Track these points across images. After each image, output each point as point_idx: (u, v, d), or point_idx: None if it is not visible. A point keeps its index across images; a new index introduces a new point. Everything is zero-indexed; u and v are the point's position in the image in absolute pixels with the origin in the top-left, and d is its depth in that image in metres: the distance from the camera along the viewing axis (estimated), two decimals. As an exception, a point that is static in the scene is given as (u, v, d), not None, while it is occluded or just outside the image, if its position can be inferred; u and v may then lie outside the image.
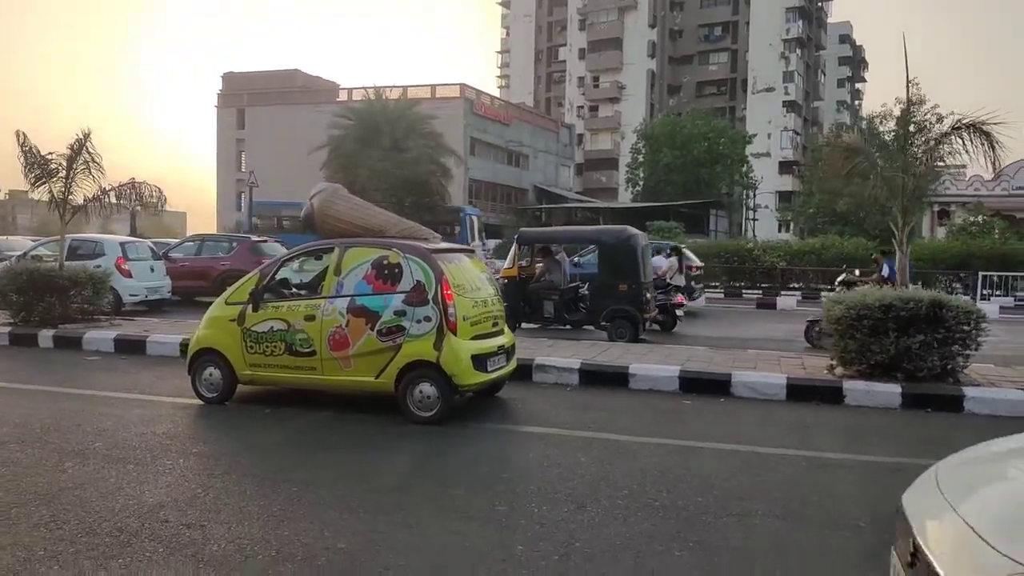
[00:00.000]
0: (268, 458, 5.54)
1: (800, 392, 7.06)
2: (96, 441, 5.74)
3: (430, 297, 6.43)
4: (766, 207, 60.75)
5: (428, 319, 6.39)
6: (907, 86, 8.13)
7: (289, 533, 4.00)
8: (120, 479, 4.86)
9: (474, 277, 7.04)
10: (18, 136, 11.23)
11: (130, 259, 14.39)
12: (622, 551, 3.81)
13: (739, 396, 7.20)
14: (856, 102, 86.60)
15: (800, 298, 20.09)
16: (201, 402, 7.09)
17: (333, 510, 4.37)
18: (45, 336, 10.47)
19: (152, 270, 14.89)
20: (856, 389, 6.96)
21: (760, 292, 20.56)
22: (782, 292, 20.61)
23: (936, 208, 31.50)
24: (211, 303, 7.59)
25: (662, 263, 13.79)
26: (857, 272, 13.15)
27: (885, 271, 11.68)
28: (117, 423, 6.29)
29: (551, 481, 4.87)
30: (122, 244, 14.85)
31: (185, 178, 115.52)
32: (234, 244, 16.48)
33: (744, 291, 21.77)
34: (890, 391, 6.83)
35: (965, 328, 6.80)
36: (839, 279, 12.38)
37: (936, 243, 23.53)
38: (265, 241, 17.24)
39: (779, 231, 57.09)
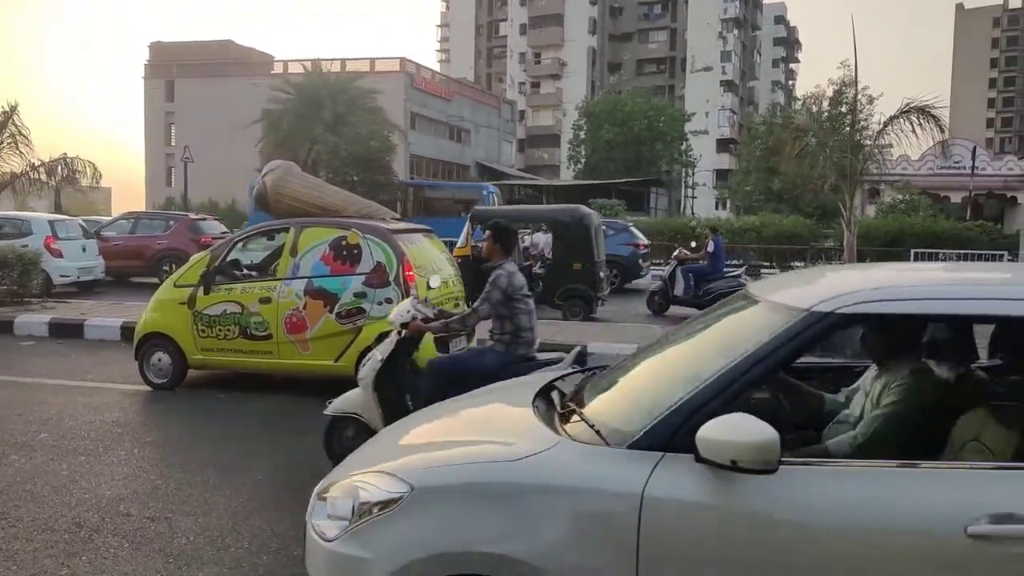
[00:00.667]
0: (229, 446, 5.38)
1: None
2: (41, 432, 5.48)
3: (391, 278, 6.34)
4: (704, 185, 61.96)
5: (389, 300, 6.29)
6: (855, 69, 8.35)
7: (260, 524, 3.92)
8: (73, 472, 4.66)
9: (434, 257, 6.97)
10: None
11: (60, 238, 13.69)
12: None
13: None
14: (790, 82, 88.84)
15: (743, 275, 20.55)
16: (150, 388, 6.84)
17: (304, 499, 4.28)
18: (-30, 321, 9.91)
19: (84, 250, 14.21)
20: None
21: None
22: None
23: (867, 187, 32.71)
24: (147, 284, 7.29)
25: (540, 239, 13.89)
26: (691, 246, 13.59)
27: (711, 247, 12.21)
28: (62, 412, 6.02)
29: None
30: (51, 222, 14.10)
31: (109, 153, 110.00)
32: (171, 222, 15.87)
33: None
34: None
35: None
36: (673, 255, 12.77)
37: (870, 221, 24.37)
38: (204, 219, 16.66)
39: (716, 209, 58.38)
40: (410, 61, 50.24)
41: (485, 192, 26.46)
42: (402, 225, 7.17)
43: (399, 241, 6.51)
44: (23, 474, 4.61)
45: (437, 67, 69.72)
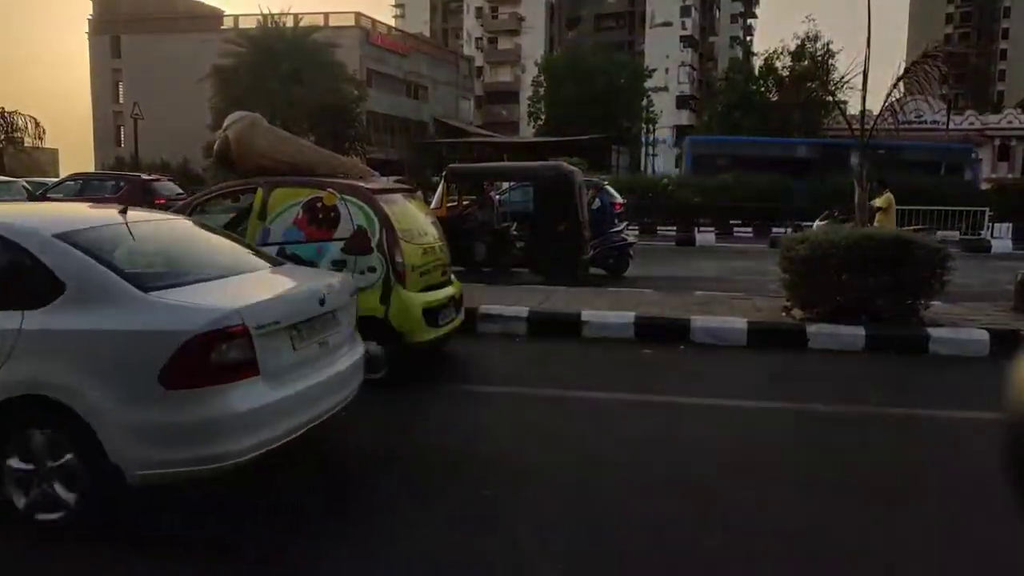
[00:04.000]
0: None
1: (761, 337, 6.86)
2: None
3: (374, 244, 5.73)
4: (664, 142, 61.65)
5: (373, 270, 5.71)
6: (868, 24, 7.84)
7: (248, 526, 3.39)
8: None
9: (420, 221, 6.36)
10: None
11: (2, 201, 12.67)
12: (648, 546, 3.30)
13: (699, 343, 6.93)
14: (748, 38, 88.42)
15: (716, 234, 20.35)
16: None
17: (285, 496, 3.77)
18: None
19: None
20: (820, 333, 6.79)
21: (674, 229, 20.66)
22: (700, 228, 20.78)
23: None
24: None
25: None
26: None
27: (596, 205, 12.08)
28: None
29: (533, 454, 4.40)
30: (-12, 185, 13.06)
31: (56, 111, 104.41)
32: (122, 184, 14.85)
33: (657, 228, 21.88)
34: (854, 334, 6.72)
35: (930, 268, 6.76)
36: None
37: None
38: (158, 180, 15.64)
39: (676, 166, 58.26)
40: (365, 16, 48.54)
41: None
42: (384, 184, 6.53)
43: (381, 202, 5.89)
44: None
45: (392, 23, 67.53)
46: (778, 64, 36.69)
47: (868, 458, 4.41)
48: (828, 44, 33.94)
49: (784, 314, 7.46)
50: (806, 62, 33.69)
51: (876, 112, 9.36)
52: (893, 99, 8.00)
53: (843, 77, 10.28)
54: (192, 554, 3.17)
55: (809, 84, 25.87)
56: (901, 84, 7.77)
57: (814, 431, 4.96)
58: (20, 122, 10.09)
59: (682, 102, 70.05)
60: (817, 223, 12.06)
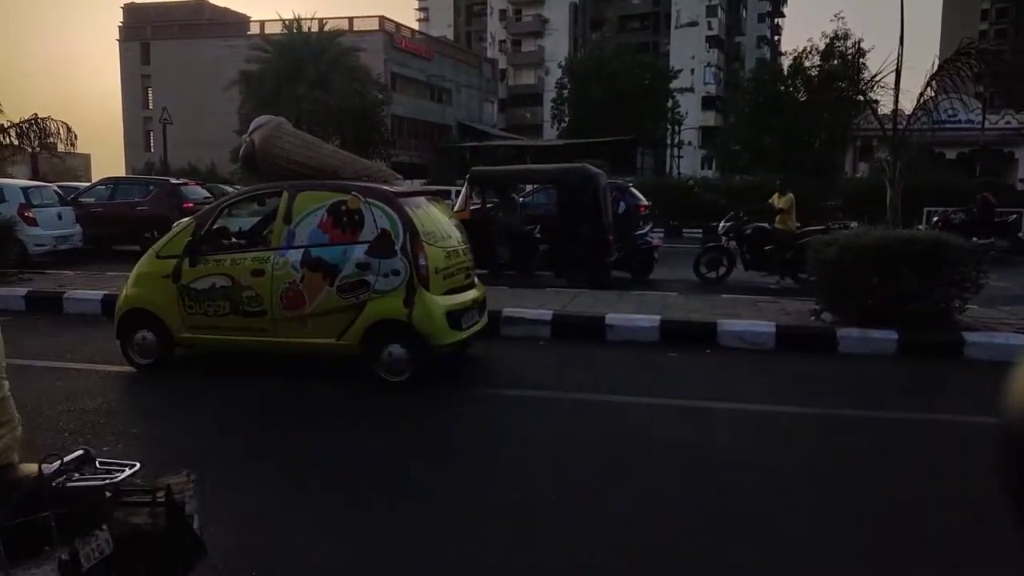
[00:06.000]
0: (226, 440, 4.84)
1: (790, 340, 6.74)
2: (14, 424, 4.88)
3: (398, 248, 5.73)
4: (689, 143, 61.20)
5: (396, 273, 5.71)
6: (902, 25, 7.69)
7: (268, 540, 3.38)
8: (49, 474, 4.08)
9: (443, 224, 6.35)
10: None
11: (34, 205, 12.93)
12: (677, 554, 3.22)
13: (726, 346, 6.83)
14: (776, 37, 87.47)
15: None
16: (133, 369, 6.25)
17: (318, 508, 3.76)
18: (-59, 295, 9.23)
19: (60, 217, 13.45)
20: (850, 336, 6.67)
21: (700, 231, 20.45)
22: (727, 231, 20.54)
23: (859, 144, 32.20)
24: (128, 252, 6.65)
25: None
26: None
27: (621, 208, 12.04)
28: (40, 398, 5.41)
29: (559, 460, 4.33)
30: (24, 189, 13.31)
31: (88, 118, 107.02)
32: (151, 187, 15.09)
33: (683, 230, 21.71)
34: (886, 338, 6.58)
35: (964, 270, 6.59)
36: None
37: (877, 179, 23.76)
38: (185, 184, 15.87)
39: (702, 168, 57.77)
40: (389, 20, 48.80)
41: None
42: (407, 188, 6.53)
43: (405, 206, 5.89)
44: (-7, 477, 4.03)
45: (416, 26, 67.89)
46: (807, 63, 36.20)
47: (897, 466, 4.30)
48: (859, 42, 33.41)
49: (813, 318, 7.33)
50: (835, 61, 33.19)
51: (907, 111, 9.18)
52: (927, 97, 7.81)
53: (875, 76, 10.11)
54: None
55: (839, 83, 25.51)
56: (934, 83, 7.58)
57: (842, 437, 4.84)
58: (53, 127, 10.31)
59: (708, 103, 69.47)
60: (723, 224, 11.92)
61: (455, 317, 5.91)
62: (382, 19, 47.65)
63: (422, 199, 6.43)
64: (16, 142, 10.49)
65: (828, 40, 33.62)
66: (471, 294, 6.35)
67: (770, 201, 11.30)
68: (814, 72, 34.53)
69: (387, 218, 5.78)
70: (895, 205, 7.69)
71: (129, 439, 4.75)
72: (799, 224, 11.24)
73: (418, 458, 4.44)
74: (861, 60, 28.26)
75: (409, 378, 5.70)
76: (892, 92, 8.82)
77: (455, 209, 11.30)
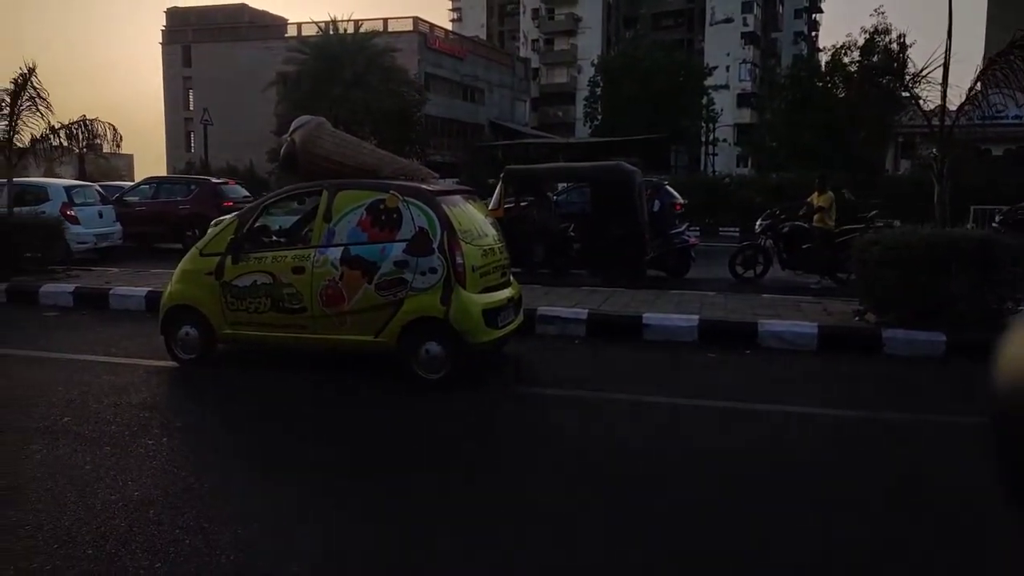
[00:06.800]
0: (266, 436, 4.90)
1: (833, 341, 6.60)
2: (64, 416, 5.02)
3: (435, 246, 5.75)
4: (724, 141, 60.43)
5: (433, 271, 5.73)
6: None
7: (310, 538, 3.41)
8: (97, 466, 4.18)
9: (479, 222, 6.35)
10: None
11: (76, 204, 13.27)
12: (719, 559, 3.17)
13: (766, 347, 6.71)
14: (813, 33, 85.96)
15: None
16: (176, 364, 6.36)
17: (356, 504, 3.78)
18: (-2, 289, 9.53)
19: (100, 216, 13.78)
20: (895, 338, 6.50)
21: (737, 230, 20.18)
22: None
23: (900, 140, 31.47)
24: (171, 250, 6.77)
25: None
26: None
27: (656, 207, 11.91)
28: (86, 392, 5.55)
29: (597, 460, 4.29)
30: (67, 189, 13.70)
31: (131, 119, 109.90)
32: (193, 187, 15.40)
33: (719, 228, 21.45)
34: (933, 339, 6.40)
35: (1016, 268, 6.38)
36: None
37: (921, 176, 23.17)
38: (226, 183, 16.15)
39: (737, 166, 57.04)
40: (423, 20, 49.07)
41: None
42: (445, 187, 6.55)
43: (442, 204, 5.90)
44: (45, 467, 4.15)
45: (449, 26, 68.15)
46: (846, 59, 35.47)
47: (944, 473, 4.17)
48: (903, 36, 32.65)
49: (857, 318, 7.17)
50: (876, 57, 32.47)
51: (952, 107, 8.91)
52: (975, 91, 7.57)
53: (921, 70, 9.81)
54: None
55: (881, 79, 24.94)
56: (984, 77, 7.35)
57: (885, 441, 4.72)
58: (100, 129, 10.60)
59: (743, 100, 68.55)
60: (759, 222, 11.68)
61: (491, 315, 5.90)
62: (416, 20, 47.95)
63: (459, 197, 6.44)
64: (65, 143, 10.78)
65: (868, 35, 32.93)
66: (507, 292, 6.34)
67: (809, 199, 11.10)
68: (853, 68, 33.86)
69: (425, 216, 5.80)
70: (943, 202, 7.46)
71: (173, 432, 4.84)
72: (838, 222, 11.01)
73: (454, 455, 4.45)
74: (904, 55, 27.58)
75: (445, 376, 5.71)
76: (938, 87, 8.59)
77: (489, 208, 11.32)
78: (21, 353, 6.84)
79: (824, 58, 42.02)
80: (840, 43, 34.43)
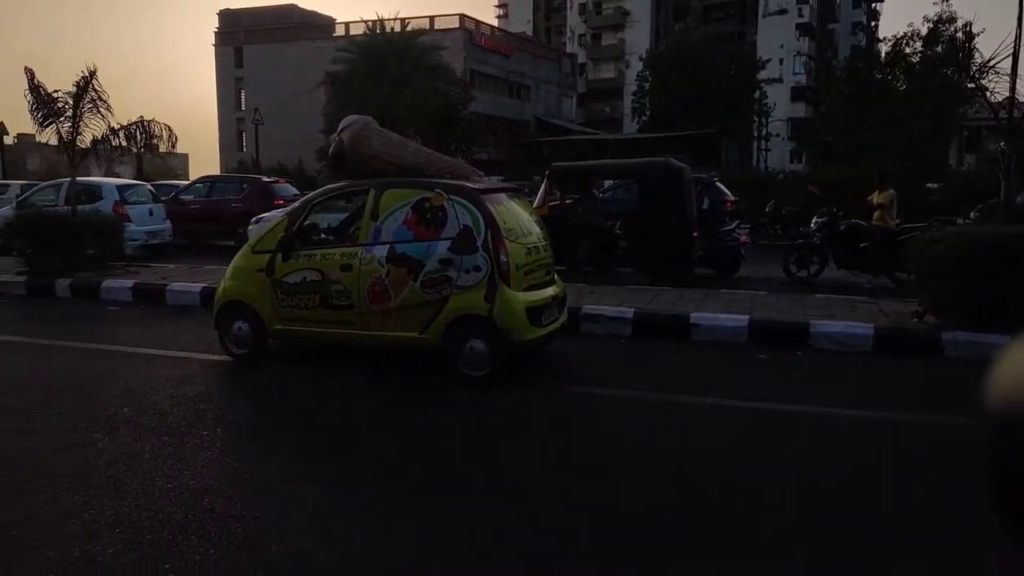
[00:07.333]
0: (314, 429, 5.02)
1: (889, 343, 6.41)
2: (124, 406, 5.22)
3: (479, 244, 5.80)
4: (777, 136, 59.14)
5: (478, 268, 5.78)
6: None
7: (355, 529, 3.48)
8: (155, 455, 4.34)
9: (524, 220, 6.38)
10: (27, 73, 10.74)
11: (128, 203, 13.76)
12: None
13: (818, 348, 6.57)
14: (872, 23, 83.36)
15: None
16: (230, 358, 6.56)
17: (403, 498, 3.84)
18: (62, 286, 9.96)
19: (151, 214, 14.26)
20: (956, 340, 6.29)
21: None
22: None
23: (965, 134, 30.34)
24: (224, 247, 6.97)
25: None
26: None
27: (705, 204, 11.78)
28: (145, 384, 5.77)
29: (642, 461, 4.27)
30: (119, 188, 14.22)
31: (185, 119, 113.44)
32: (245, 185, 15.81)
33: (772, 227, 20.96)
34: (997, 342, 6.11)
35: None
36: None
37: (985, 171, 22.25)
38: (276, 182, 16.53)
39: (791, 161, 55.78)
40: (469, 18, 49.21)
41: None
42: (489, 185, 6.59)
43: (487, 202, 5.94)
44: (106, 455, 4.33)
45: (495, 23, 68.25)
46: (907, 50, 34.29)
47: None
48: (968, 25, 31.40)
49: (915, 319, 6.95)
50: (940, 47, 31.34)
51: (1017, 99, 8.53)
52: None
53: (988, 60, 9.39)
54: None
55: (945, 70, 23.93)
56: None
57: (944, 447, 4.58)
58: (156, 130, 10.99)
59: (797, 93, 66.95)
60: (815, 220, 11.30)
61: (535, 313, 5.93)
62: (462, 17, 48.11)
63: (503, 195, 6.47)
64: (124, 143, 11.20)
65: (932, 24, 31.79)
66: (551, 290, 6.35)
67: (869, 197, 10.76)
68: (916, 59, 32.74)
69: (469, 214, 5.85)
70: (1011, 199, 7.15)
71: (227, 425, 4.99)
72: (899, 220, 10.68)
73: (498, 454, 4.48)
74: (970, 45, 26.51)
75: (489, 373, 5.76)
76: (1006, 78, 8.20)
77: (534, 205, 11.33)
78: (84, 346, 7.14)
79: (884, 49, 40.81)
80: (901, 33, 33.30)
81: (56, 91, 10.78)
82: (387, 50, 31.37)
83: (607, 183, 14.54)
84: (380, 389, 5.87)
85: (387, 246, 6.00)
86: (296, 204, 6.96)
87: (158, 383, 5.81)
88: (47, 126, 10.88)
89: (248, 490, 3.88)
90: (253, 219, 13.12)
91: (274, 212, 12.80)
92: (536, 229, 6.49)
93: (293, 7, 54.29)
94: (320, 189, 7.28)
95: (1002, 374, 1.16)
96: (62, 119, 10.80)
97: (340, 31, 48.15)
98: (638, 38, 68.08)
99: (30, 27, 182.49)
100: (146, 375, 6.05)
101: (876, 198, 10.60)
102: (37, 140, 13.17)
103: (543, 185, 11.49)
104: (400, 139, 7.03)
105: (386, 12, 62.18)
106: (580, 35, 73.42)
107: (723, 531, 3.40)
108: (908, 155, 26.90)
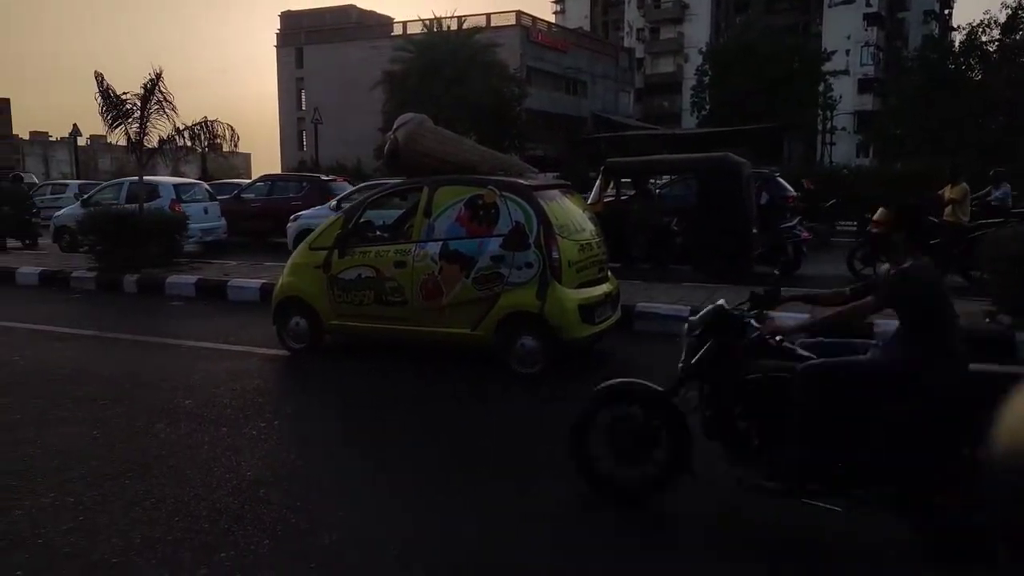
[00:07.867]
0: (368, 422, 5.10)
1: (960, 344, 6.12)
2: (186, 398, 5.40)
3: (531, 241, 5.79)
4: (843, 129, 57.29)
5: (530, 265, 5.77)
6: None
7: (409, 521, 3.51)
8: (214, 446, 4.47)
9: (577, 217, 6.33)
10: (97, 77, 11.16)
11: (184, 201, 14.18)
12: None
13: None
14: (946, 11, 79.94)
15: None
16: (288, 353, 6.70)
17: (462, 494, 3.86)
18: (129, 281, 10.35)
19: (206, 212, 14.67)
20: (1031, 342, 6.00)
21: (855, 224, 19.07)
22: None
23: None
24: (283, 244, 7.13)
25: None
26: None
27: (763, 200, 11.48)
28: (206, 377, 5.95)
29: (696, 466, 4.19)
30: (176, 186, 14.67)
31: (247, 119, 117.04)
32: (304, 184, 16.15)
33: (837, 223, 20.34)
34: (1075, 344, 5.87)
35: None
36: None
37: None
38: (334, 180, 16.84)
39: (857, 156, 54.04)
40: (525, 14, 49.19)
41: None
42: (542, 181, 6.56)
43: (539, 199, 5.92)
44: (168, 446, 4.48)
45: (552, 19, 68.02)
46: (984, 38, 32.74)
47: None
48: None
49: (988, 319, 6.63)
50: (1019, 35, 29.86)
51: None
52: None
53: None
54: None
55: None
56: None
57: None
58: (220, 130, 11.33)
59: (865, 85, 64.79)
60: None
61: (587, 311, 5.88)
62: (519, 14, 48.13)
63: (556, 192, 6.44)
64: (188, 143, 11.57)
65: (1011, 11, 30.27)
66: (604, 288, 6.29)
67: (940, 192, 10.30)
68: (993, 47, 31.26)
69: (522, 211, 5.84)
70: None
71: (284, 417, 5.10)
72: (972, 216, 10.20)
73: (548, 450, 4.44)
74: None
75: (540, 370, 5.75)
76: None
77: (589, 202, 11.24)
78: (149, 340, 7.40)
79: (959, 38, 39.09)
80: (977, 21, 31.81)
81: (124, 93, 11.19)
82: (443, 48, 31.61)
83: (664, 179, 14.31)
84: (433, 385, 5.91)
85: (440, 243, 6.04)
86: (354, 202, 7.06)
87: (218, 377, 5.98)
88: (116, 127, 11.30)
89: (304, 482, 3.96)
90: (292, 216, 13.42)
91: (314, 210, 13.07)
92: (589, 226, 6.44)
93: (351, 7, 55.22)
94: (360, 185, 7.38)
95: (1008, 423, 1.10)
96: (130, 120, 11.20)
97: (398, 30, 48.74)
98: (697, 31, 66.93)
99: (95, 29, 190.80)
100: (207, 369, 6.24)
101: (948, 193, 10.14)
102: (108, 141, 13.71)
103: (598, 181, 11.38)
104: (454, 137, 7.06)
105: (443, 11, 62.86)
106: (638, 29, 72.62)
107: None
108: (990, 149, 25.64)
